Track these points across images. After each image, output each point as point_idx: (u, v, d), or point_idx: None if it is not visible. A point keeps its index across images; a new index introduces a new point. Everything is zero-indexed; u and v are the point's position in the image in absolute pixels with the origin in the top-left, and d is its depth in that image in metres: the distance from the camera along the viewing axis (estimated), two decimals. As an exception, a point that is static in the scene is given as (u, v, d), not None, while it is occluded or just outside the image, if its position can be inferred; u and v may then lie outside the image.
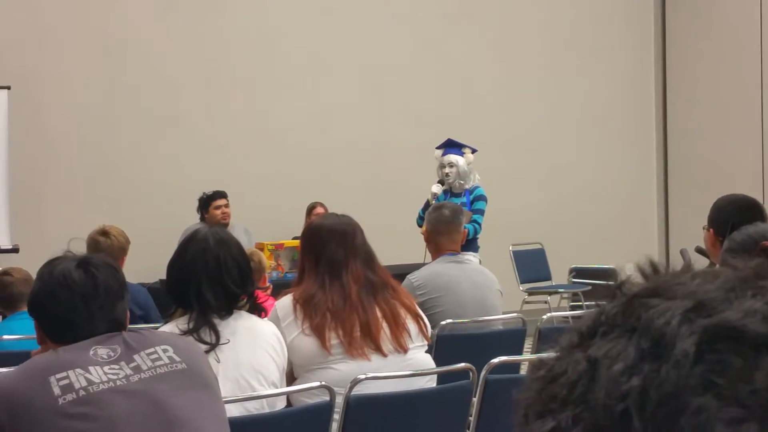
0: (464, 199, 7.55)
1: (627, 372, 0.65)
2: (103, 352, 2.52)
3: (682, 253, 5.82)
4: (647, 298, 0.69)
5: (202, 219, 8.82)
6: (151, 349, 2.57)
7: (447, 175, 7.68)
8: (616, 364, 0.65)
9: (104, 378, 2.45)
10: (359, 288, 3.87)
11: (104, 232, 5.78)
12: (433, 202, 7.44)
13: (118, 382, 2.46)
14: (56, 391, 2.40)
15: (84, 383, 2.42)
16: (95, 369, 2.46)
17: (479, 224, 7.44)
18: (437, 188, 7.73)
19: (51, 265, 2.66)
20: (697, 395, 0.63)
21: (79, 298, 2.57)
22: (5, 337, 5.09)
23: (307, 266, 3.96)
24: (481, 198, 7.60)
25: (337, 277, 3.87)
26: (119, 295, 2.64)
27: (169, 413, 2.47)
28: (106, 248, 5.65)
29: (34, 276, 5.73)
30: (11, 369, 2.56)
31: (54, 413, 2.38)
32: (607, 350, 0.67)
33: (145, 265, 7.85)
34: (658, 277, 0.73)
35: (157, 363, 2.54)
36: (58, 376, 2.43)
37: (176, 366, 2.56)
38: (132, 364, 2.51)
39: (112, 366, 2.49)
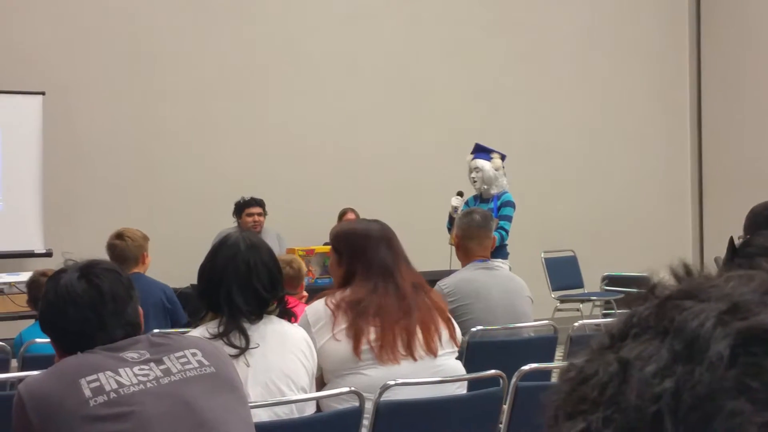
0: (491, 205, 7.49)
1: (660, 374, 0.64)
2: (131, 355, 2.52)
3: (717, 261, 5.77)
4: (681, 300, 0.68)
5: (238, 224, 8.87)
6: (180, 353, 2.57)
7: (474, 180, 7.66)
8: (649, 366, 0.64)
9: (134, 380, 2.45)
10: (413, 290, 3.89)
11: (119, 235, 5.90)
12: (455, 215, 7.42)
13: (149, 384, 2.46)
14: (87, 393, 2.40)
15: (114, 385, 2.43)
16: (125, 371, 2.47)
17: (506, 231, 7.37)
18: (457, 201, 7.71)
19: (54, 280, 2.63)
20: (731, 398, 0.62)
21: (87, 310, 2.56)
22: (37, 340, 5.10)
23: (359, 272, 3.92)
24: (509, 204, 7.54)
25: (391, 280, 3.88)
26: (127, 298, 2.63)
27: (200, 415, 2.47)
28: (124, 250, 5.77)
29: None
30: (40, 372, 2.56)
31: (85, 415, 2.37)
32: (639, 352, 0.66)
33: (177, 269, 7.88)
34: (692, 279, 0.73)
35: (187, 366, 2.54)
36: (89, 378, 2.43)
37: (205, 370, 2.56)
38: (162, 367, 2.52)
39: (142, 367, 2.49)
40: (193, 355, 2.58)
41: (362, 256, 3.96)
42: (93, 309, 2.56)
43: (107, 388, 2.42)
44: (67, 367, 2.51)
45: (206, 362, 2.58)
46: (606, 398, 0.65)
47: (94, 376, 2.43)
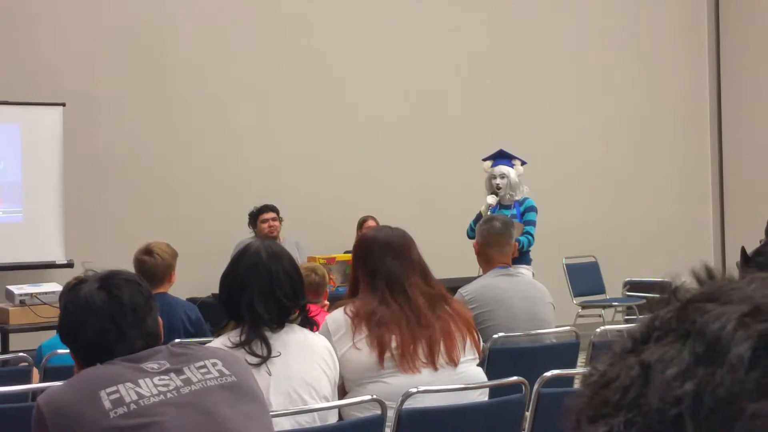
0: (514, 211, 7.49)
1: (681, 376, 0.64)
2: (151, 365, 2.51)
3: (738, 265, 5.74)
4: (702, 302, 0.68)
5: (254, 233, 8.90)
6: (200, 363, 2.57)
7: (498, 186, 7.62)
8: (670, 369, 0.64)
9: (154, 391, 2.45)
10: (425, 301, 3.86)
11: (148, 251, 5.63)
12: (488, 213, 7.39)
13: (169, 395, 2.45)
14: (107, 405, 2.39)
15: (135, 396, 2.42)
16: (144, 382, 2.46)
17: (532, 235, 7.37)
18: (492, 199, 7.66)
19: (73, 291, 2.63)
20: (752, 400, 0.62)
21: (107, 321, 2.55)
22: (59, 351, 5.11)
23: (362, 280, 3.92)
24: (532, 209, 7.54)
25: (401, 292, 3.84)
26: (147, 308, 2.62)
27: (221, 425, 2.46)
28: (152, 267, 5.52)
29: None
30: (60, 384, 2.55)
31: (105, 427, 2.37)
32: (661, 355, 0.66)
33: (197, 279, 7.91)
34: (714, 282, 0.72)
35: (207, 376, 2.53)
36: (108, 390, 2.42)
37: (226, 379, 2.55)
38: (182, 377, 2.51)
39: (162, 377, 2.48)
40: (214, 364, 2.57)
41: (363, 265, 3.95)
42: (113, 320, 2.56)
43: (127, 399, 2.41)
44: (86, 378, 2.50)
45: (227, 371, 2.57)
46: (628, 401, 0.65)
47: (114, 388, 2.42)
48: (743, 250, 2.84)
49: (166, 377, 2.49)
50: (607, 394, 0.67)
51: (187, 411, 2.45)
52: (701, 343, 0.65)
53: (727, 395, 0.62)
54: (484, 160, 7.89)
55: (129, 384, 2.44)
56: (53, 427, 2.40)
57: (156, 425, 2.40)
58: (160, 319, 2.68)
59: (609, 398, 0.67)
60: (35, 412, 2.45)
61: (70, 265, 8.55)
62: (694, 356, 0.64)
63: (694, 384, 0.63)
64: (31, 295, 7.26)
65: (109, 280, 2.62)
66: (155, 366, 2.51)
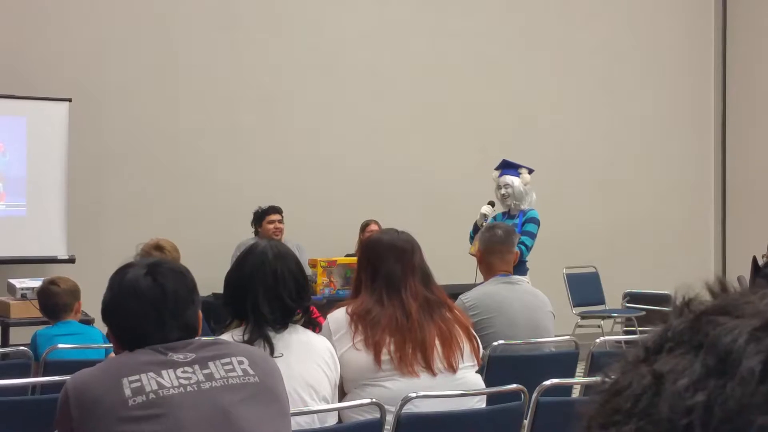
0: (517, 221, 7.49)
1: (692, 387, 0.65)
2: (178, 356, 2.56)
3: (740, 279, 5.75)
4: (715, 315, 0.69)
5: (256, 233, 8.90)
6: (227, 359, 2.61)
7: (504, 196, 7.64)
8: (682, 379, 0.65)
9: (175, 383, 2.50)
10: (418, 305, 3.88)
11: (158, 247, 5.67)
12: (483, 222, 7.40)
13: (189, 388, 2.50)
14: (127, 392, 2.45)
15: (155, 386, 2.47)
16: (167, 373, 2.51)
17: (527, 246, 7.33)
18: (486, 209, 7.68)
19: (120, 273, 2.69)
20: (762, 413, 0.63)
21: (149, 306, 2.60)
22: (60, 346, 5.15)
23: (364, 280, 3.97)
24: (533, 221, 7.53)
25: (396, 294, 3.88)
26: (189, 300, 2.67)
27: (235, 424, 2.50)
28: None
29: (81, 286, 5.80)
30: (90, 368, 2.60)
31: (122, 414, 2.43)
32: (673, 365, 0.67)
33: (198, 278, 7.89)
34: (727, 295, 0.73)
35: (231, 374, 2.58)
36: (131, 378, 2.48)
37: (249, 379, 2.59)
38: (205, 371, 2.55)
39: (186, 369, 2.53)
40: (240, 363, 2.61)
41: (367, 266, 3.99)
42: (154, 306, 2.60)
43: (147, 389, 2.47)
44: (112, 364, 2.59)
45: (251, 371, 2.61)
46: (639, 410, 0.66)
47: (136, 377, 2.49)
48: (754, 260, 2.85)
49: (189, 369, 2.53)
50: (618, 402, 0.68)
51: (203, 406, 2.49)
52: (713, 355, 0.66)
53: (737, 407, 0.63)
54: (496, 169, 7.90)
55: (152, 374, 2.50)
56: (75, 407, 2.46)
57: (169, 417, 2.45)
58: (200, 314, 2.71)
59: (620, 406, 0.68)
60: (62, 392, 2.53)
61: (71, 260, 8.57)
62: (706, 368, 0.65)
63: (705, 395, 0.64)
64: (32, 289, 7.27)
65: (156, 268, 2.68)
66: (181, 357, 2.56)
